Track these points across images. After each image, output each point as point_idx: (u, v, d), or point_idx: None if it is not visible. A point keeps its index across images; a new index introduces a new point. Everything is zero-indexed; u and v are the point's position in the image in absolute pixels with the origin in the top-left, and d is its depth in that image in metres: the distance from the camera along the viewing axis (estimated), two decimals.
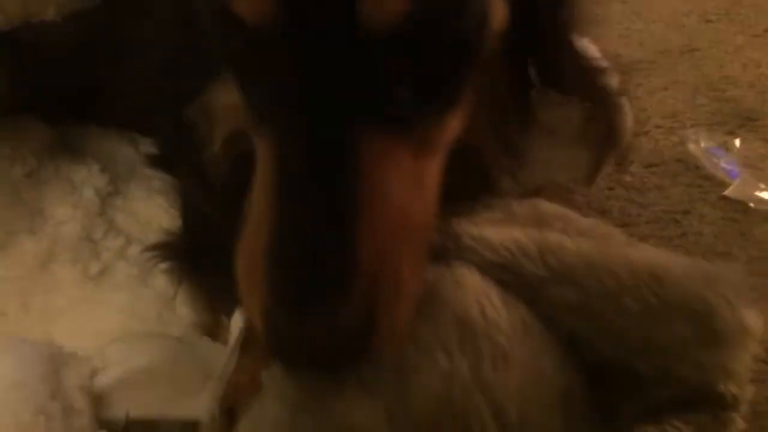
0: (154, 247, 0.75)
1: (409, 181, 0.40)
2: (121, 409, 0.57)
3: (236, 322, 0.59)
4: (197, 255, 0.73)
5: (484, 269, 0.46)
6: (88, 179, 0.90)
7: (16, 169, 0.88)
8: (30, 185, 0.88)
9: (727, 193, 0.97)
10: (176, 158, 0.79)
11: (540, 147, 0.85)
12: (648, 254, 0.48)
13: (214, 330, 0.70)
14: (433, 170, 0.43)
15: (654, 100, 1.20)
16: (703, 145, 1.04)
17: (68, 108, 0.95)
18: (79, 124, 0.97)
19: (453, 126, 0.44)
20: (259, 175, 0.42)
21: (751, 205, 0.96)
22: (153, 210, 0.87)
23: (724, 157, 1.01)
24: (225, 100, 0.52)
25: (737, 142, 1.05)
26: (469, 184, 0.57)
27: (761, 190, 0.97)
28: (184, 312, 0.74)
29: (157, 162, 0.86)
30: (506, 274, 0.45)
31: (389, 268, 0.39)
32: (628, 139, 0.89)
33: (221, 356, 0.58)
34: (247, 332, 0.56)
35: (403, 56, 0.38)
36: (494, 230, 0.47)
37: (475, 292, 0.43)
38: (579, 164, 0.91)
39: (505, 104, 0.55)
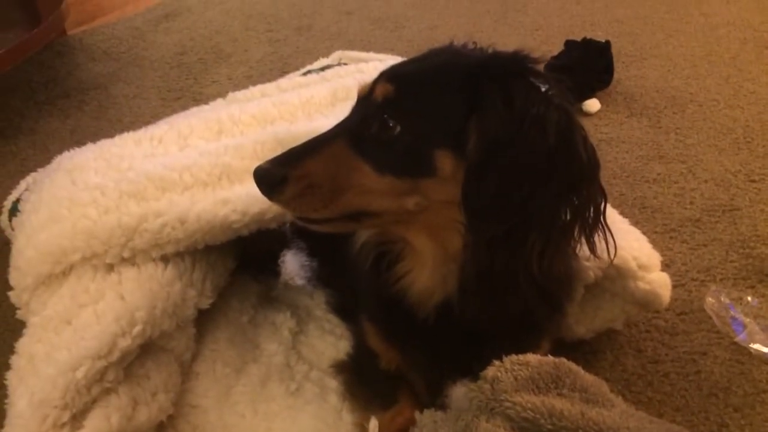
0: (333, 367, 1.17)
1: None
2: None
3: (373, 424, 1.00)
4: (360, 373, 1.14)
5: (514, 419, 0.83)
6: (285, 322, 1.27)
7: (243, 318, 1.27)
8: (251, 328, 1.26)
9: (737, 340, 1.24)
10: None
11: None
12: (617, 420, 0.83)
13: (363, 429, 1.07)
14: None
15: (694, 256, 1.45)
16: (722, 299, 1.30)
17: (269, 268, 1.39)
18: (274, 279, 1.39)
19: None
20: None
21: (753, 350, 1.22)
22: (324, 345, 1.25)
23: (735, 313, 1.27)
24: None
25: (749, 298, 1.30)
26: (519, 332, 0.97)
27: (760, 342, 1.22)
28: (348, 418, 1.11)
29: (334, 308, 1.32)
30: (527, 424, 0.83)
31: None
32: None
33: None
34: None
35: None
36: (525, 397, 0.84)
37: None
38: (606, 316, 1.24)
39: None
